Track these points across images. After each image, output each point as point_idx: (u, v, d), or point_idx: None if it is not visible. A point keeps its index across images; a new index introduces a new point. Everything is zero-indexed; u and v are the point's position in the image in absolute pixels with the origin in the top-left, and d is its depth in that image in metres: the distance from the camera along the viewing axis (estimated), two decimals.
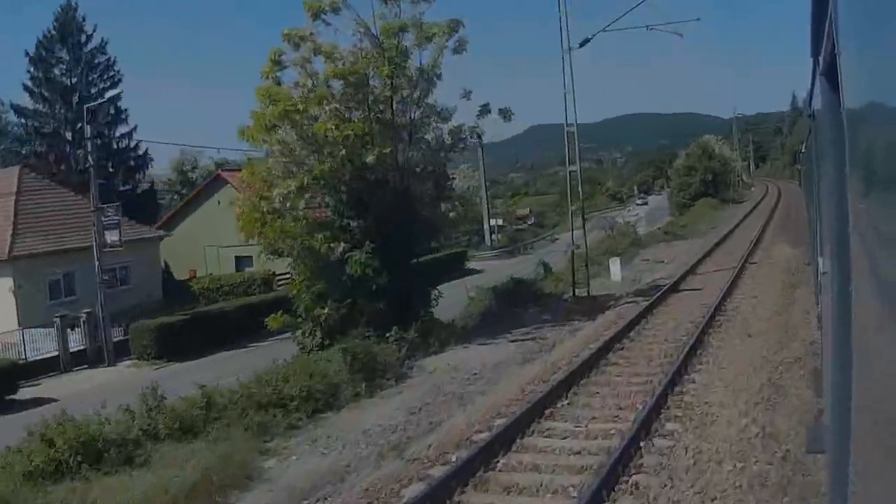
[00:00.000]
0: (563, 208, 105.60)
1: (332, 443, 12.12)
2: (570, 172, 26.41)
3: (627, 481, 8.56)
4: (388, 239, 20.16)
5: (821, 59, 2.80)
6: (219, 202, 41.61)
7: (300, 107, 19.53)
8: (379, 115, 20.46)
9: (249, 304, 30.70)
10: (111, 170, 52.15)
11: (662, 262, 30.10)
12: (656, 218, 72.02)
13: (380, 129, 20.68)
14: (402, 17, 20.28)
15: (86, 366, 26.82)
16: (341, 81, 20.08)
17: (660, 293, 21.28)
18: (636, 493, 8.30)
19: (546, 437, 10.71)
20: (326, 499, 9.47)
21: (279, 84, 20.21)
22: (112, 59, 53.42)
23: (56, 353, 26.59)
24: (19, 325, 28.06)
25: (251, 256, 41.42)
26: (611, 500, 8.11)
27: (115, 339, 27.88)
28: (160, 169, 62.07)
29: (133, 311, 30.69)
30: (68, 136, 50.92)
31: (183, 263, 44.33)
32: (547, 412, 11.84)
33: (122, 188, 52.82)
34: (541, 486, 8.76)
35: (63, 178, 43.03)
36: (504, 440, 10.31)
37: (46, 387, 23.25)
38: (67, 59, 51.75)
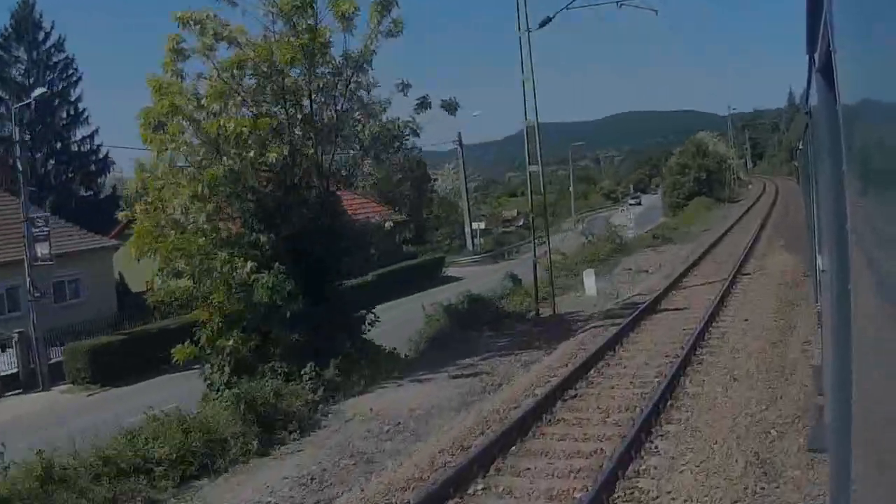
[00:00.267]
0: (558, 208, 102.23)
1: None
2: (530, 174, 22.99)
3: None
4: (307, 257, 16.77)
5: (817, 56, 2.88)
6: None
7: (198, 102, 16.22)
8: (292, 109, 17.04)
9: (193, 322, 27.46)
10: (69, 175, 49.08)
11: (646, 271, 26.68)
12: (650, 218, 68.67)
13: (301, 128, 17.32)
14: None
15: (19, 391, 23.96)
16: (251, 71, 16.71)
17: (636, 313, 17.88)
18: None
19: None
20: None
21: (181, 77, 16.77)
22: (71, 56, 50.21)
23: None
24: None
25: None
26: None
27: (55, 361, 25.00)
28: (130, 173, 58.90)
29: (81, 328, 27.90)
30: (27, 138, 47.63)
31: (143, 275, 40.96)
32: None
33: (83, 194, 49.75)
34: None
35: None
36: None
37: None
38: (25, 58, 48.51)
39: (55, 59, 48.97)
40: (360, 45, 17.32)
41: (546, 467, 9.42)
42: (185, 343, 17.19)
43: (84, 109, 49.96)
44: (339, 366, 16.00)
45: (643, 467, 8.97)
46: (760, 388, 11.43)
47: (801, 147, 14.47)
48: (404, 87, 17.78)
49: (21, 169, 28.50)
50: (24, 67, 48.49)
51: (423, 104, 18.12)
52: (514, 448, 10.14)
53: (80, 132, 50.03)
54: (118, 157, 52.21)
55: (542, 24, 20.20)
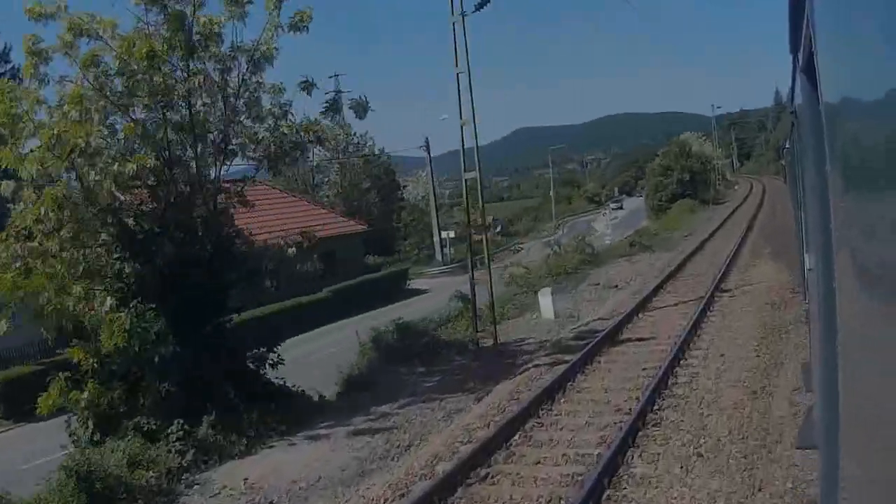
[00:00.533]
0: (540, 213, 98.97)
1: None
2: (466, 181, 19.70)
3: None
4: (184, 290, 13.45)
5: (800, 55, 2.81)
6: None
7: (58, 107, 12.97)
8: (167, 111, 13.71)
9: None
10: None
11: (616, 286, 23.42)
12: (633, 222, 65.65)
13: (178, 134, 14.01)
14: None
15: None
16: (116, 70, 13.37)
17: (592, 345, 14.62)
18: None
19: None
20: None
21: (44, 82, 13.46)
22: (17, 66, 46.68)
23: None
24: None
25: None
26: None
27: None
28: None
29: (10, 355, 24.81)
30: None
31: None
32: None
33: None
34: None
35: None
36: None
37: None
38: None
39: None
40: (257, 38, 14.14)
41: None
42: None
43: None
44: (217, 421, 12.73)
45: None
46: (733, 472, 8.17)
47: (787, 146, 13.55)
48: (307, 87, 14.50)
49: None
50: None
51: (333, 107, 14.84)
52: None
53: None
54: None
55: (479, 7, 16.97)
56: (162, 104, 13.55)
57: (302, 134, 14.49)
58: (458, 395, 13.70)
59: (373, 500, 8.99)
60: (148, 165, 12.87)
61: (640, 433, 9.65)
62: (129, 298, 13.20)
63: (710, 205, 61.71)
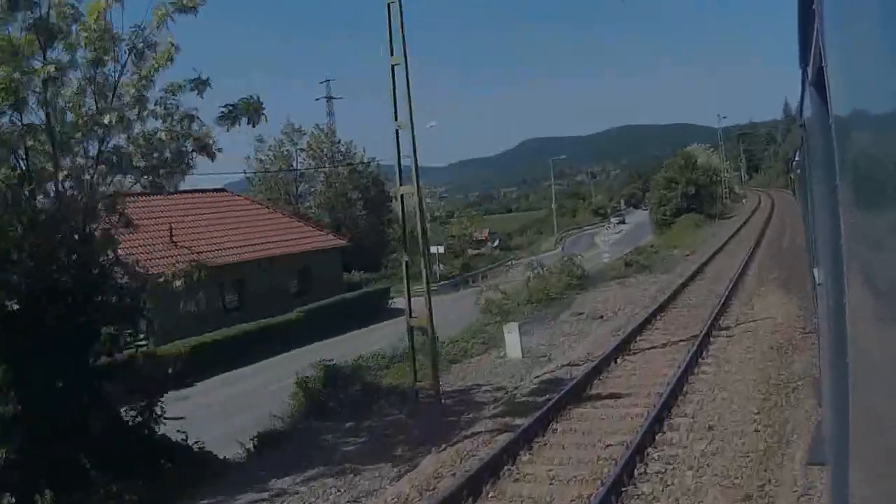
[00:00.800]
0: (544, 226, 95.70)
1: None
2: (402, 198, 16.69)
3: None
4: (33, 332, 10.54)
5: (809, 68, 2.78)
6: None
7: None
8: (19, 112, 10.82)
9: None
10: None
11: (601, 317, 20.33)
12: (636, 237, 62.48)
13: (35, 139, 11.13)
14: None
15: None
16: None
17: (551, 403, 11.58)
18: None
19: None
20: None
21: None
22: None
23: None
24: None
25: None
26: None
27: None
28: None
29: None
30: None
31: None
32: None
33: None
34: None
35: None
36: None
37: None
38: None
39: None
40: (140, 22, 11.27)
41: None
42: None
43: None
44: (55, 500, 9.81)
45: None
46: None
47: (796, 159, 12.46)
48: (199, 86, 11.56)
49: None
50: None
51: (229, 115, 11.84)
52: None
53: None
54: None
55: None
56: (10, 103, 10.67)
57: (187, 143, 11.54)
58: (380, 466, 10.68)
59: None
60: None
61: None
62: None
63: (717, 219, 58.40)
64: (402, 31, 13.56)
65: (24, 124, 10.98)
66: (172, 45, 11.50)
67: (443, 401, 13.77)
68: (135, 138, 11.63)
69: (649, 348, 15.23)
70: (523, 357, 16.52)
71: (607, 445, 9.70)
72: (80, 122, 11.19)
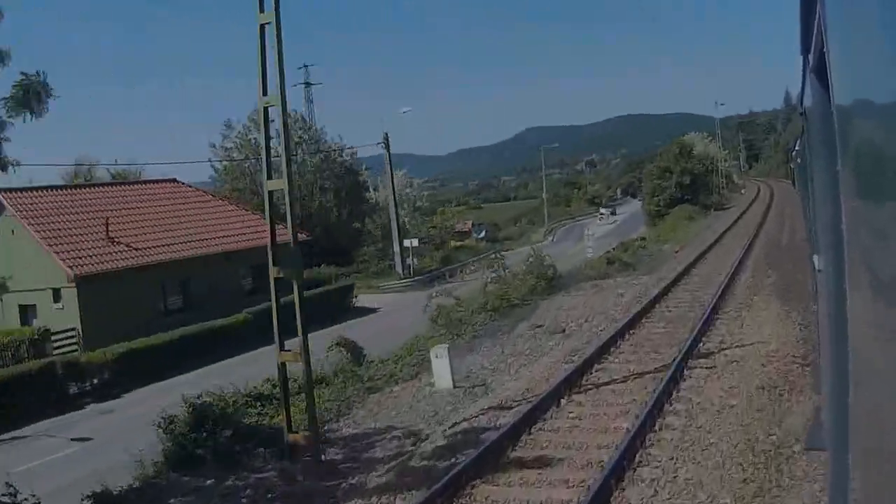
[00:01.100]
0: (537, 216, 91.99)
1: None
2: (270, 194, 13.10)
3: None
4: None
5: (810, 56, 2.69)
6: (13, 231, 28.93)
7: None
8: None
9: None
10: None
11: (562, 331, 16.92)
12: (630, 228, 59.05)
13: None
14: None
15: None
16: None
17: (451, 475, 8.25)
18: None
19: None
20: None
21: None
22: None
23: None
24: None
25: (36, 305, 28.87)
26: None
27: None
28: None
29: None
30: None
31: None
32: None
33: None
34: None
35: None
36: None
37: None
38: None
39: None
40: None
41: None
42: None
43: None
44: None
45: None
46: None
47: (796, 148, 11.98)
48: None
49: None
50: None
51: (21, 97, 8.43)
52: None
53: None
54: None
55: None
56: None
57: None
58: None
59: None
60: None
61: None
62: None
63: (712, 211, 54.78)
64: None
65: None
66: None
67: (324, 458, 10.37)
68: None
69: (605, 383, 11.80)
70: (454, 386, 13.15)
71: None
72: None
